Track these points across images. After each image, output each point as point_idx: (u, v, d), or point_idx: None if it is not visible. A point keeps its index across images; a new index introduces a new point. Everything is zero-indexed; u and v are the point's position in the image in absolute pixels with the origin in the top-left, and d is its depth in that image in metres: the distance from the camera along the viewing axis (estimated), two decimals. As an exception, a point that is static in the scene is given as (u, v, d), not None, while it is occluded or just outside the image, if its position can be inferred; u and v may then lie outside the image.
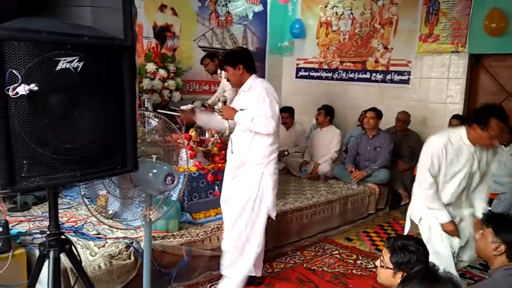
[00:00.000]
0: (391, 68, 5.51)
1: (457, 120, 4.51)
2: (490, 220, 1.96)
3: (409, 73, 5.35)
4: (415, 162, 4.70)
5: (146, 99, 4.49)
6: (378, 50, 5.62)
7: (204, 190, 3.34)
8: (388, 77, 5.55)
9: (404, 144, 4.95)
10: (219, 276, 2.83)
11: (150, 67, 4.83)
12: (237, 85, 2.86)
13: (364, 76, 5.80)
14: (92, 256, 2.47)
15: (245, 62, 2.74)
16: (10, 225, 2.49)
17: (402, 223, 4.45)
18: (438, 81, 5.12)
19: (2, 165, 1.32)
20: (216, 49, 5.90)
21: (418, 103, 5.24)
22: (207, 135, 3.71)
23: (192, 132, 3.48)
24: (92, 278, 2.01)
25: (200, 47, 5.75)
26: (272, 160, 2.71)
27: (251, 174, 2.69)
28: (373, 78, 5.70)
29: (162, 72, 4.88)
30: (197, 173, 3.29)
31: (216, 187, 3.38)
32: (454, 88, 5.00)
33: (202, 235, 3.00)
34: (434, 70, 5.14)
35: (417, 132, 5.11)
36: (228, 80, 2.97)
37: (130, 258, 2.55)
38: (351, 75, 5.93)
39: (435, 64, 5.13)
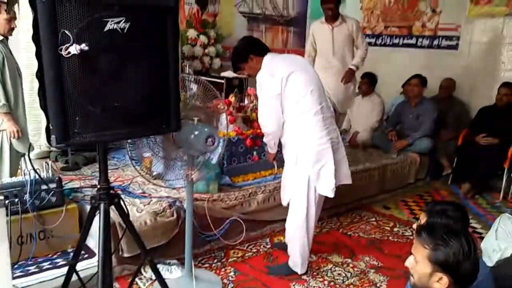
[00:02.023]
0: (439, 33, 5.26)
1: (506, 89, 4.29)
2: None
3: (458, 38, 5.09)
4: (459, 132, 4.58)
5: (187, 65, 4.56)
6: (426, 14, 5.36)
7: (243, 155, 3.40)
8: (435, 42, 5.30)
9: (449, 113, 4.77)
10: (257, 238, 2.92)
11: (191, 33, 4.88)
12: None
13: (409, 41, 5.58)
14: (138, 212, 2.62)
15: (253, 49, 2.55)
16: (62, 183, 2.67)
17: (442, 194, 4.38)
18: (489, 46, 4.84)
19: (58, 120, 1.42)
20: (257, 14, 5.85)
21: (466, 70, 5.00)
22: (246, 101, 3.74)
23: (231, 98, 3.52)
24: (138, 233, 2.13)
25: (241, 12, 5.71)
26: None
27: None
28: (419, 44, 5.47)
29: (203, 38, 4.91)
30: (236, 138, 3.34)
31: (255, 152, 3.43)
32: (506, 54, 4.71)
33: (241, 199, 3.09)
34: (486, 35, 4.86)
35: (464, 100, 4.90)
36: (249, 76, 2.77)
37: (173, 216, 2.68)
38: (396, 41, 5.71)
39: (486, 29, 4.84)
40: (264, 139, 2.68)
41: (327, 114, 2.51)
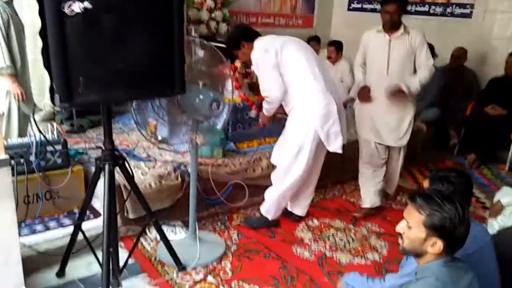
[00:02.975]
0: (453, 0, 5.09)
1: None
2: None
3: (472, 6, 4.92)
4: (469, 102, 4.51)
5: (193, 29, 4.48)
6: (440, -20, 5.18)
7: (247, 121, 3.39)
8: (449, 10, 5.14)
9: (459, 83, 4.69)
10: (261, 202, 2.95)
11: (197, -4, 4.76)
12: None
13: (421, 8, 5.41)
14: (143, 175, 2.65)
15: (244, 36, 2.70)
16: (68, 145, 2.69)
17: (448, 164, 4.36)
18: (505, 15, 4.69)
19: (61, 81, 1.41)
20: (265, -22, 5.68)
21: (479, 38, 4.86)
22: (252, 68, 3.69)
23: (237, 64, 3.48)
24: (144, 195, 2.17)
25: (249, -25, 5.55)
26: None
27: None
28: (431, 11, 5.31)
29: (209, 2, 4.80)
30: (241, 105, 3.33)
31: (260, 119, 3.42)
32: (522, 23, 4.57)
33: (245, 165, 3.11)
34: (501, 2, 4.69)
35: (474, 70, 4.80)
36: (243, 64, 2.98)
37: (177, 179, 2.70)
38: (408, 8, 5.53)
39: (502, -4, 4.68)
40: (266, 106, 2.72)
41: (327, 77, 2.65)
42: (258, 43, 2.64)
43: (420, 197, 1.42)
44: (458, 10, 5.08)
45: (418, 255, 1.44)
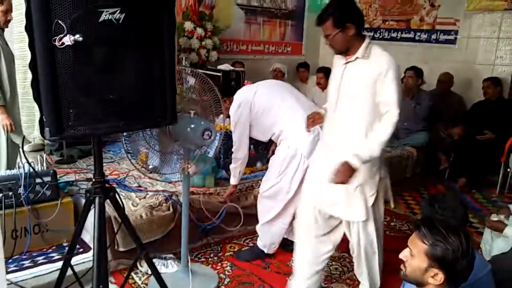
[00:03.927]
0: (437, 27, 5.23)
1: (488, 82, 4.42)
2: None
3: (456, 32, 5.07)
4: (457, 126, 4.57)
5: (183, 57, 4.52)
6: (424, 8, 5.33)
7: (240, 149, 3.37)
8: (434, 36, 5.28)
9: (446, 107, 4.76)
10: (254, 232, 2.90)
11: (188, 25, 4.83)
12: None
13: (407, 35, 5.55)
14: (134, 206, 2.60)
15: (225, 92, 2.74)
16: (57, 176, 2.64)
17: (439, 188, 4.37)
18: (487, 41, 4.83)
19: (51, 113, 1.39)
20: (254, 7, 5.79)
21: (464, 64, 4.98)
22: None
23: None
24: (134, 227, 2.11)
25: (238, 5, 5.66)
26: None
27: None
28: (417, 38, 5.45)
29: (199, 30, 4.86)
30: (233, 132, 3.32)
31: (252, 146, 3.41)
32: (504, 48, 4.70)
33: (237, 193, 3.07)
34: (484, 29, 4.84)
35: (460, 94, 4.89)
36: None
37: (169, 210, 2.66)
38: (394, 35, 5.69)
39: (485, 23, 4.82)
40: (232, 166, 2.81)
41: (306, 105, 2.65)
42: (236, 97, 2.73)
43: (425, 226, 1.40)
44: (442, 37, 5.22)
45: (419, 284, 1.42)
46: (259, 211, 2.75)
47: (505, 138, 4.21)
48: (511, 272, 1.92)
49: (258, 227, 2.76)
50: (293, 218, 2.73)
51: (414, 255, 1.40)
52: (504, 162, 4.18)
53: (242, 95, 2.72)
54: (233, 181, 2.86)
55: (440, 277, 1.34)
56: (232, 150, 2.79)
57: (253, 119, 2.68)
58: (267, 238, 2.73)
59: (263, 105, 2.64)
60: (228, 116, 3.31)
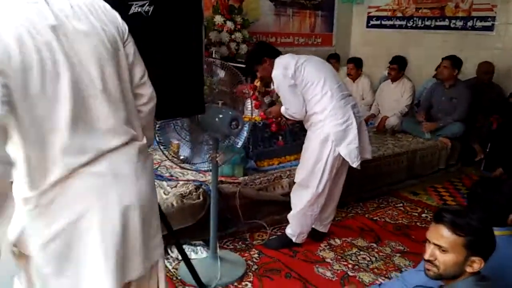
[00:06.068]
0: (473, 14, 5.05)
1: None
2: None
3: (493, 18, 4.87)
4: (495, 116, 4.42)
5: (214, 51, 4.58)
6: (459, -6, 5.16)
7: (268, 140, 3.41)
8: (470, 23, 5.10)
9: (486, 97, 4.59)
10: (282, 220, 2.94)
11: (218, 19, 4.88)
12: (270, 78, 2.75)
13: (442, 23, 5.38)
14: (165, 195, 2.69)
15: (266, 52, 2.75)
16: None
17: (475, 179, 4.25)
18: (527, 27, 4.63)
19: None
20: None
21: (503, 51, 4.79)
22: (272, 86, 3.73)
23: (257, 83, 3.52)
24: (165, 214, 2.19)
25: (267, -3, 5.66)
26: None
27: None
28: (452, 25, 5.27)
29: (229, 24, 4.91)
30: (261, 123, 3.36)
31: (280, 137, 3.44)
32: (545, 34, 4.49)
33: (265, 183, 3.12)
34: (524, 14, 4.64)
35: (500, 84, 4.71)
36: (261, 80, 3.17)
37: (199, 198, 2.73)
38: (428, 23, 5.53)
39: (525, 8, 4.62)
40: (288, 113, 2.72)
41: (345, 92, 2.66)
42: (279, 61, 2.68)
43: (452, 217, 1.35)
44: (479, 23, 5.03)
45: (454, 277, 1.38)
46: (292, 199, 2.77)
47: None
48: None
49: (290, 215, 2.78)
50: (322, 208, 2.76)
51: (447, 250, 1.35)
52: (544, 152, 4.01)
53: (290, 60, 2.65)
54: (284, 113, 2.75)
55: (480, 262, 1.32)
56: (282, 112, 2.75)
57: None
58: (297, 227, 2.75)
59: (307, 78, 2.59)
60: (256, 107, 3.37)
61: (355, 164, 2.63)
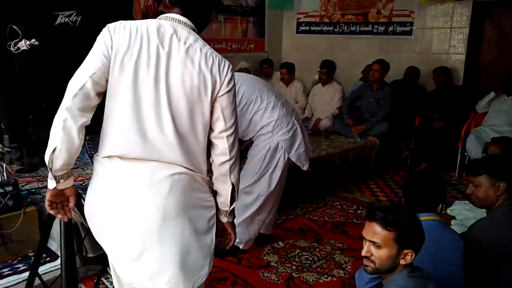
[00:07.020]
0: (394, 19, 5.40)
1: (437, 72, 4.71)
2: (480, 166, 1.97)
3: (411, 24, 5.25)
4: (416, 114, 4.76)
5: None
6: (380, 1, 5.49)
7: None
8: (390, 28, 5.45)
9: (411, 98, 4.90)
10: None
11: (148, 25, 4.76)
12: None
13: (366, 28, 5.70)
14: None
15: None
16: (19, 185, 2.56)
17: (402, 174, 4.54)
18: (441, 31, 5.03)
19: (10, 119, 1.36)
20: (214, 5, 5.77)
21: (421, 54, 5.18)
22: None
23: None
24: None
25: (198, 3, 5.61)
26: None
27: None
28: (375, 31, 5.60)
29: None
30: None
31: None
32: (457, 38, 4.91)
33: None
34: (437, 20, 5.04)
35: (422, 84, 5.08)
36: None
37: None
38: (353, 28, 5.82)
39: (438, 14, 5.02)
40: None
41: (282, 99, 2.75)
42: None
43: (383, 214, 1.41)
44: (399, 28, 5.39)
45: (390, 270, 1.45)
46: (237, 208, 2.74)
47: (461, 124, 4.43)
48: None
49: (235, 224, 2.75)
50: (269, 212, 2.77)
51: (381, 246, 1.41)
52: (461, 146, 4.38)
53: None
54: None
55: (411, 254, 1.40)
56: None
57: None
58: (245, 234, 2.73)
59: (243, 100, 2.61)
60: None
61: (305, 167, 2.72)
